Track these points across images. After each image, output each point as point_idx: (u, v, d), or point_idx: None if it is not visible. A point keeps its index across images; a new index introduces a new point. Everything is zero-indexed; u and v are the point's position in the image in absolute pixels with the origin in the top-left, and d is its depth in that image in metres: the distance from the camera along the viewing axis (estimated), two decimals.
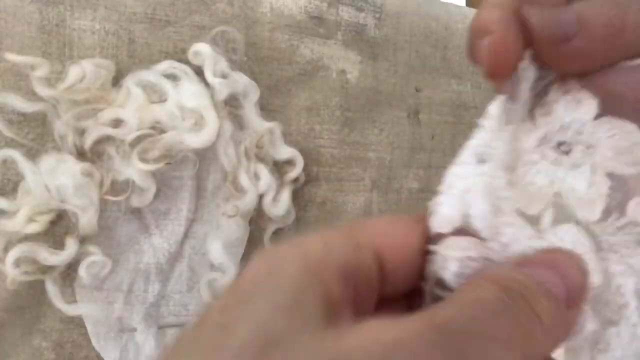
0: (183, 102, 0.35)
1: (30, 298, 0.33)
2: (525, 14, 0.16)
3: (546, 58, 0.16)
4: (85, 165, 0.33)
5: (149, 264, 0.36)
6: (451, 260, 0.15)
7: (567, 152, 0.17)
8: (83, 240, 0.33)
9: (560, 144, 0.17)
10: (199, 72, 0.37)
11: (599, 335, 0.16)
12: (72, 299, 0.34)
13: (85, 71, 0.33)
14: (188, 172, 0.36)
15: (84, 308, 0.34)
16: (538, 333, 0.14)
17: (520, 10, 0.16)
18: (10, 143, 0.33)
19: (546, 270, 0.15)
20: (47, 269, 0.33)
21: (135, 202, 0.35)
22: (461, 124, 0.48)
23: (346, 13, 0.43)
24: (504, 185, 0.16)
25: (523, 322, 0.13)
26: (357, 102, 0.44)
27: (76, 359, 0.35)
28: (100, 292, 0.35)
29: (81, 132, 0.33)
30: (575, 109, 0.17)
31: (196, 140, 0.35)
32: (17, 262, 0.32)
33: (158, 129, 0.34)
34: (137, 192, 0.35)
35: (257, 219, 0.39)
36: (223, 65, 0.37)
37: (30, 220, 0.32)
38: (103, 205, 0.34)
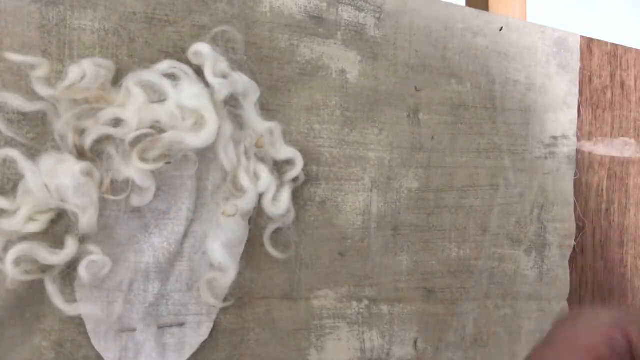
0: (183, 102, 0.35)
1: (30, 297, 0.33)
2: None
3: None
4: (85, 165, 0.33)
5: (148, 263, 0.36)
6: None
7: None
8: (83, 240, 0.33)
9: None
10: (199, 72, 0.37)
11: None
12: (72, 299, 0.34)
13: (85, 71, 0.33)
14: (188, 172, 0.37)
15: (84, 307, 0.34)
16: None
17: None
18: (10, 142, 0.33)
19: None
20: (46, 269, 0.33)
21: (135, 201, 0.35)
22: (461, 124, 0.49)
23: (346, 13, 0.43)
24: None
25: None
26: (357, 102, 0.44)
27: (76, 359, 0.35)
28: (100, 292, 0.35)
29: (81, 132, 0.33)
30: None
31: (196, 140, 0.35)
32: (17, 262, 0.32)
33: (158, 128, 0.34)
34: (137, 191, 0.35)
35: (256, 218, 0.39)
36: (223, 65, 0.37)
37: (30, 219, 0.32)
38: (103, 204, 0.34)
